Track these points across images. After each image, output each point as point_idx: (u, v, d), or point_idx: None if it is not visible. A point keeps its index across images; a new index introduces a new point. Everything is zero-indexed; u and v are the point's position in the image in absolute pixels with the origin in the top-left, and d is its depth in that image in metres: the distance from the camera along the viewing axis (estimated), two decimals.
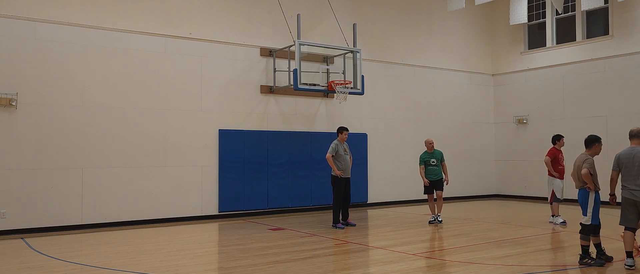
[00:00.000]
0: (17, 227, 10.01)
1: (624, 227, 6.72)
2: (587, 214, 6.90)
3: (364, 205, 14.51)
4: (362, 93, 12.76)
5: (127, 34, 11.30)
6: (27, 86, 10.22)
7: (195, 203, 11.99)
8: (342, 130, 10.83)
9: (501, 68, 17.50)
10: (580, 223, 7.02)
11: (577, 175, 7.18)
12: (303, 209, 13.46)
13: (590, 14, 15.39)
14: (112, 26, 11.15)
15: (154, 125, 11.54)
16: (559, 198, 10.92)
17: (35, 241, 9.23)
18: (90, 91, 10.86)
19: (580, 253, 7.01)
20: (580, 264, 6.94)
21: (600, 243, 7.01)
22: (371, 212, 13.55)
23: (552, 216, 11.04)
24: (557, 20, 16.10)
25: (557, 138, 11.12)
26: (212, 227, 11.13)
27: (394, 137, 15.14)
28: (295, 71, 11.49)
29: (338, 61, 12.93)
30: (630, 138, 6.86)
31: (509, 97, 17.19)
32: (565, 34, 15.97)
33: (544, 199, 15.43)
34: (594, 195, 6.94)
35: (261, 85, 12.95)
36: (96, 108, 10.91)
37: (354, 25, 12.98)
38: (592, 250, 7.07)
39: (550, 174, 11.01)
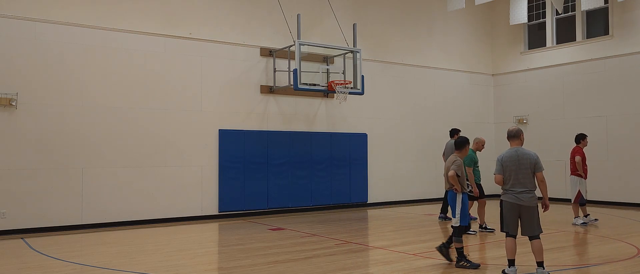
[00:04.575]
0: (17, 227, 10.01)
1: (505, 234, 6.37)
2: (456, 215, 6.95)
3: (364, 204, 14.51)
4: (362, 93, 12.75)
5: (127, 34, 11.30)
6: (27, 86, 10.21)
7: (195, 203, 11.99)
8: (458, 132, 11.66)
9: (501, 68, 17.50)
10: (451, 226, 7.06)
11: (446, 175, 7.26)
12: (303, 209, 13.45)
13: (590, 14, 15.39)
14: (112, 26, 11.15)
15: (154, 125, 11.54)
16: (585, 199, 10.67)
17: (35, 241, 9.23)
18: (90, 91, 10.86)
19: (456, 255, 6.94)
20: (457, 267, 6.83)
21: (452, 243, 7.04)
22: (371, 212, 13.55)
23: (576, 217, 10.75)
24: (557, 20, 16.10)
25: (581, 137, 10.75)
26: (212, 227, 11.13)
27: (394, 137, 15.14)
28: (295, 71, 11.49)
29: (338, 61, 12.93)
30: (509, 139, 6.49)
31: (509, 97, 17.19)
32: (565, 34, 15.96)
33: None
34: (461, 196, 6.98)
35: (261, 85, 12.95)
36: (96, 108, 10.91)
37: (354, 25, 12.98)
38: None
39: (577, 174, 10.58)
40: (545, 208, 6.42)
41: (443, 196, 11.59)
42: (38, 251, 8.25)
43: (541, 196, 6.41)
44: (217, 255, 8.30)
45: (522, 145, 6.47)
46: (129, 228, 10.77)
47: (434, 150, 15.93)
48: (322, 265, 7.09)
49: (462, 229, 6.93)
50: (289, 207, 13.18)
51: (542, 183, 6.27)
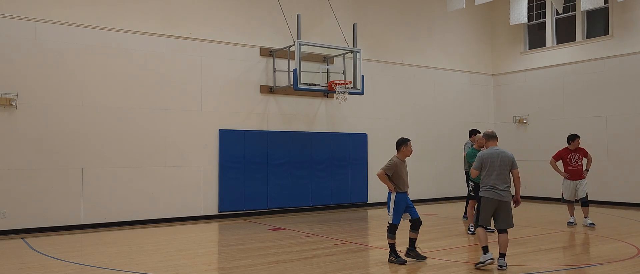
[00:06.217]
0: (17, 227, 10.02)
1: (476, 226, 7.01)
2: (389, 213, 7.19)
3: (364, 204, 14.51)
4: (362, 93, 12.75)
5: (127, 34, 11.30)
6: (27, 86, 10.21)
7: (195, 203, 11.99)
8: (476, 132, 11.04)
9: (501, 68, 17.50)
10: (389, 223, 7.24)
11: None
12: (303, 209, 13.46)
13: (590, 14, 15.39)
14: (112, 26, 11.15)
15: (154, 125, 11.54)
16: (565, 199, 10.81)
17: (35, 241, 9.23)
18: (90, 91, 10.86)
19: (389, 250, 7.29)
20: (389, 262, 7.24)
21: (415, 239, 7.34)
22: (371, 212, 13.55)
23: (571, 216, 10.85)
24: (557, 20, 16.10)
25: (570, 139, 10.83)
26: (212, 227, 11.13)
27: (394, 137, 14.79)
28: (295, 71, 11.49)
29: (338, 61, 12.93)
30: (488, 139, 7.09)
31: (509, 97, 17.19)
32: (565, 34, 15.96)
33: (544, 199, 15.48)
34: (395, 195, 7.14)
35: (261, 85, 12.95)
36: (96, 108, 10.91)
37: (354, 25, 12.98)
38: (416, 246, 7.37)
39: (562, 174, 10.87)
40: (517, 203, 6.97)
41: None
42: (38, 251, 8.25)
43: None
44: (217, 255, 8.30)
45: (497, 145, 7.10)
46: (129, 228, 10.77)
47: (434, 150, 15.96)
48: (322, 265, 7.09)
49: (393, 227, 7.18)
50: (289, 207, 13.18)
51: (518, 179, 6.95)
